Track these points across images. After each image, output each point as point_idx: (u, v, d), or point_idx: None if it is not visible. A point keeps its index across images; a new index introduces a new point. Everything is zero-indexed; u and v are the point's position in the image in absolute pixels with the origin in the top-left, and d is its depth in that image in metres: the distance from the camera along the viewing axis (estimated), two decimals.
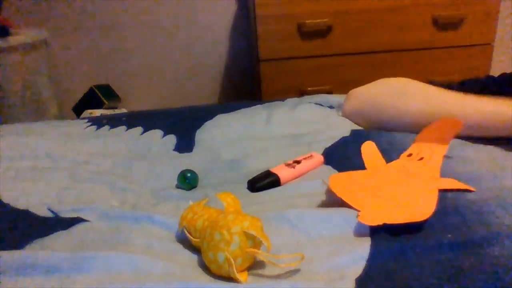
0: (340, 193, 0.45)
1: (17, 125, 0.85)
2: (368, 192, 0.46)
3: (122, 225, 0.45)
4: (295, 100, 0.89)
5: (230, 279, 0.37)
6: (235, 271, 0.36)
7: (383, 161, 0.55)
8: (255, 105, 0.88)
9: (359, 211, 0.43)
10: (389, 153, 0.57)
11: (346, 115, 0.76)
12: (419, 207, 0.42)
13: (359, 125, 0.73)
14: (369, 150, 0.58)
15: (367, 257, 0.38)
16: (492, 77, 0.71)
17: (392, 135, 0.63)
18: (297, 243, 0.41)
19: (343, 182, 0.48)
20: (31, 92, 1.54)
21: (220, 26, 1.87)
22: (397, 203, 0.44)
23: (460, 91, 0.66)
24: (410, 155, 0.55)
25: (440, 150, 0.53)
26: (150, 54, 1.89)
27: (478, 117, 0.60)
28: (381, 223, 0.40)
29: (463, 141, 0.60)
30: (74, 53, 1.86)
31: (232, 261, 0.36)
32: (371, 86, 0.75)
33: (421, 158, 0.53)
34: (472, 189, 0.45)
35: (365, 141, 0.60)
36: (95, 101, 1.73)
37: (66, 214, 0.49)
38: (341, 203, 0.44)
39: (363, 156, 0.57)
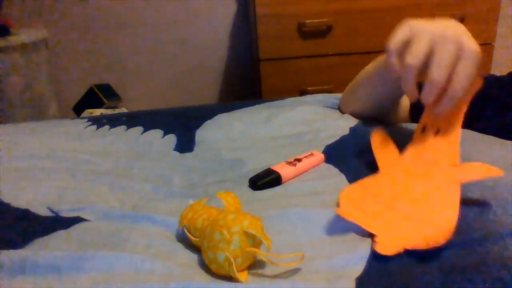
0: (352, 217, 0.41)
1: (17, 125, 0.84)
2: (383, 205, 0.43)
3: (122, 225, 0.45)
4: (295, 99, 0.89)
5: (230, 278, 0.37)
6: (235, 270, 0.36)
7: (396, 150, 0.50)
8: (255, 104, 0.88)
9: (375, 236, 0.39)
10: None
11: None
12: (440, 221, 0.38)
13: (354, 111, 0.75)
14: (379, 139, 0.53)
15: (367, 257, 0.37)
16: None
17: (390, 127, 0.62)
18: (297, 243, 0.41)
19: (355, 198, 0.44)
20: (31, 92, 1.54)
21: (220, 26, 1.87)
22: (416, 218, 0.40)
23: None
24: (424, 128, 0.49)
25: (458, 116, 0.47)
26: (150, 54, 1.89)
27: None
28: (401, 250, 0.37)
29: (470, 136, 0.59)
30: (74, 53, 1.86)
31: (232, 261, 0.36)
32: None
33: (438, 131, 0.47)
34: (501, 172, 0.40)
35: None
36: (95, 101, 1.73)
37: (66, 213, 0.49)
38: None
39: (373, 147, 0.52)
